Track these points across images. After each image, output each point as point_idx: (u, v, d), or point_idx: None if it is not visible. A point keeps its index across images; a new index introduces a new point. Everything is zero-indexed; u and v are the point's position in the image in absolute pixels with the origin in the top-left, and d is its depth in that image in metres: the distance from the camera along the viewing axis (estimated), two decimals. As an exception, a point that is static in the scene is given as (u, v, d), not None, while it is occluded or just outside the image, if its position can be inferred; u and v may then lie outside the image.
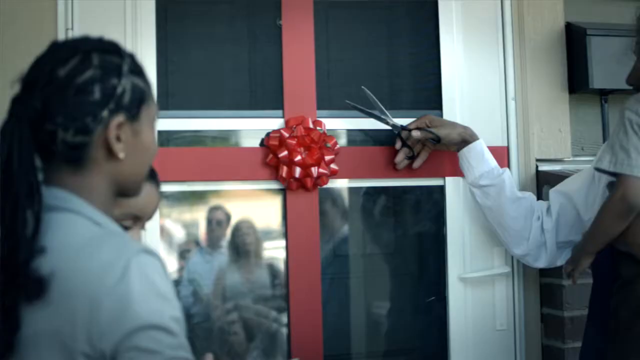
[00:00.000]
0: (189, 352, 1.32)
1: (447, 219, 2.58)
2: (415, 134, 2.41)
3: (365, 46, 2.65)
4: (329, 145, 2.43)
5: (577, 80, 2.65)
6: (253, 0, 2.55)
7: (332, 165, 2.43)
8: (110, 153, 1.39)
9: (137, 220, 1.79)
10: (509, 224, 2.41)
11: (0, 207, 1.32)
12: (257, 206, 2.54)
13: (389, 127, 2.45)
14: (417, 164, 2.49)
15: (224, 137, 2.50)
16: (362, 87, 2.43)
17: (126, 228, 1.75)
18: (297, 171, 2.38)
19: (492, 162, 2.45)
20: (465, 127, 2.47)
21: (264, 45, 2.56)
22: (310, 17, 2.52)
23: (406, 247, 2.66)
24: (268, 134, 2.42)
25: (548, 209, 2.37)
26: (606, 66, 2.58)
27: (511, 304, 2.62)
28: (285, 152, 2.37)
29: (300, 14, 2.51)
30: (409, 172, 2.54)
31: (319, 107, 2.50)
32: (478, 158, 2.43)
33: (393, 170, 2.53)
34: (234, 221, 2.52)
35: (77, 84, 1.35)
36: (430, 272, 2.67)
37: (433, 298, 2.63)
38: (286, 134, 2.39)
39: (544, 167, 2.62)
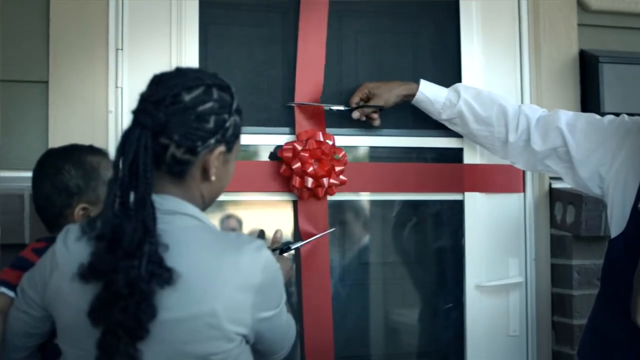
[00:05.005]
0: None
1: (465, 231, 2.70)
2: (355, 115, 2.56)
3: (391, 72, 2.71)
4: (338, 157, 2.52)
5: (589, 104, 2.75)
6: (287, 26, 2.66)
7: (342, 176, 2.52)
8: (205, 174, 1.58)
9: None
10: (483, 142, 2.56)
11: (121, 201, 1.48)
12: (270, 215, 2.65)
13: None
14: (375, 123, 2.60)
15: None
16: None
17: None
18: (309, 181, 2.48)
19: (441, 97, 2.54)
20: (401, 85, 2.58)
21: (277, 66, 2.65)
22: (324, 28, 2.61)
23: (427, 256, 2.76)
24: (280, 147, 2.52)
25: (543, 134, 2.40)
26: (617, 91, 2.69)
27: (524, 311, 2.74)
28: (299, 164, 2.47)
29: (316, 29, 2.61)
30: (432, 187, 2.67)
31: (346, 125, 2.61)
32: (427, 103, 2.55)
33: (416, 185, 2.66)
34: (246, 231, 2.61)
35: (198, 111, 1.54)
36: (449, 280, 2.77)
37: (451, 305, 2.74)
38: (299, 147, 2.48)
39: (557, 185, 2.72)
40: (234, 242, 1.57)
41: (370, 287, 2.72)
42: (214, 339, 1.50)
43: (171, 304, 1.48)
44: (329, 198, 2.59)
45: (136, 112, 1.54)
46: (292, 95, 2.59)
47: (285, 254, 2.22)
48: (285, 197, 2.59)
